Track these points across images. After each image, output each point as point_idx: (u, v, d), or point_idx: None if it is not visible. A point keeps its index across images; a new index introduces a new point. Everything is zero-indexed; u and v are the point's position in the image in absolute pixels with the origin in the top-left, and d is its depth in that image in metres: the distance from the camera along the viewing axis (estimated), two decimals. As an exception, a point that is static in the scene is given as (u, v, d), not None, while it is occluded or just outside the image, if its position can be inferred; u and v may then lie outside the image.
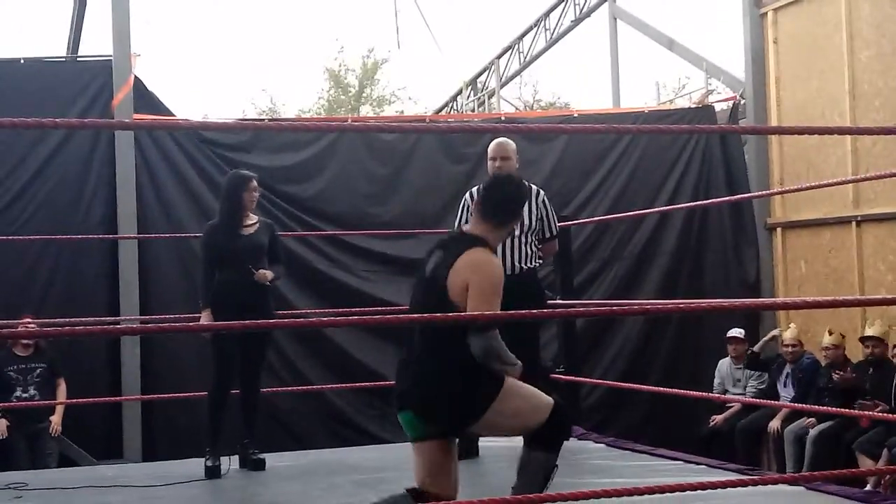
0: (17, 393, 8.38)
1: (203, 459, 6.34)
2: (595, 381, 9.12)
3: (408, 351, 4.62)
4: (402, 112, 28.83)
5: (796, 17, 10.61)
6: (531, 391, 4.52)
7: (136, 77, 9.40)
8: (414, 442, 4.49)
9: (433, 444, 4.44)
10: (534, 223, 6.52)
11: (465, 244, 4.45)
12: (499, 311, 4.37)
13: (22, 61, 9.58)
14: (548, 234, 6.63)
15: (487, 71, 16.12)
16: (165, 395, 8.56)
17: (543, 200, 6.63)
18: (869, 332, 8.57)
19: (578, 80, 38.62)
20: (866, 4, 9.66)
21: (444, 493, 4.41)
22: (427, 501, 4.35)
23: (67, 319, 8.04)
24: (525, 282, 6.42)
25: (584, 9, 13.67)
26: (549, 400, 4.53)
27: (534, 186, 6.70)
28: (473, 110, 16.17)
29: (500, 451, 6.79)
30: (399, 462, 6.58)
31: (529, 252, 6.49)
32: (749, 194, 10.50)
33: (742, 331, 9.72)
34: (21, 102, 8.66)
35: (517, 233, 6.45)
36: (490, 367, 4.34)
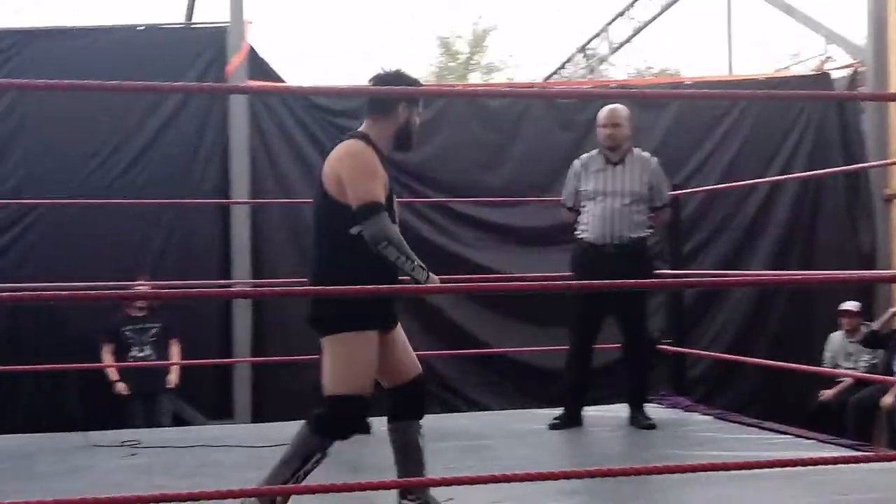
0: (134, 353, 8.61)
1: (311, 422, 6.43)
2: (701, 352, 8.99)
3: None
4: (512, 79, 28.67)
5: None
6: (368, 367, 4.21)
7: (249, 45, 9.49)
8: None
9: (322, 341, 4.30)
10: (644, 191, 6.43)
11: (342, 140, 4.38)
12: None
13: (139, 28, 9.75)
14: (658, 204, 6.54)
15: (598, 37, 15.94)
16: (275, 359, 8.69)
17: (655, 168, 6.53)
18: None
19: (691, 48, 37.90)
20: None
21: (344, 392, 4.20)
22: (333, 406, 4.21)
23: (181, 282, 8.24)
24: (632, 252, 6.34)
25: (698, -26, 13.44)
26: (364, 387, 4.20)
27: (646, 154, 6.61)
28: (584, 77, 16.02)
29: (605, 420, 6.76)
30: (501, 430, 6.62)
31: (639, 221, 6.40)
32: (866, 164, 10.21)
33: (856, 304, 9.50)
34: (138, 69, 8.77)
35: (626, 201, 6.37)
36: (386, 255, 4.12)
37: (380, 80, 4.50)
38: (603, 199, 6.39)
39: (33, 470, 5.66)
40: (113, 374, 8.49)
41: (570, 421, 6.54)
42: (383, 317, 4.31)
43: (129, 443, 6.23)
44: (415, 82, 4.55)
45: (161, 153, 9.36)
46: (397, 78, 4.45)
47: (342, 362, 4.20)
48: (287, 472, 4.20)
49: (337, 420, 4.25)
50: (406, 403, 4.46)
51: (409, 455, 4.46)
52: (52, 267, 8.49)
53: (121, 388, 8.44)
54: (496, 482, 4.13)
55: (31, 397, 8.57)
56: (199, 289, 7.73)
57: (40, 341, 8.68)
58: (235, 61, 9.29)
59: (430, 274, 4.27)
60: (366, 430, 5.27)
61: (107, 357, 8.52)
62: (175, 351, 8.71)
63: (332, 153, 4.32)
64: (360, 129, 4.45)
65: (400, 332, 4.48)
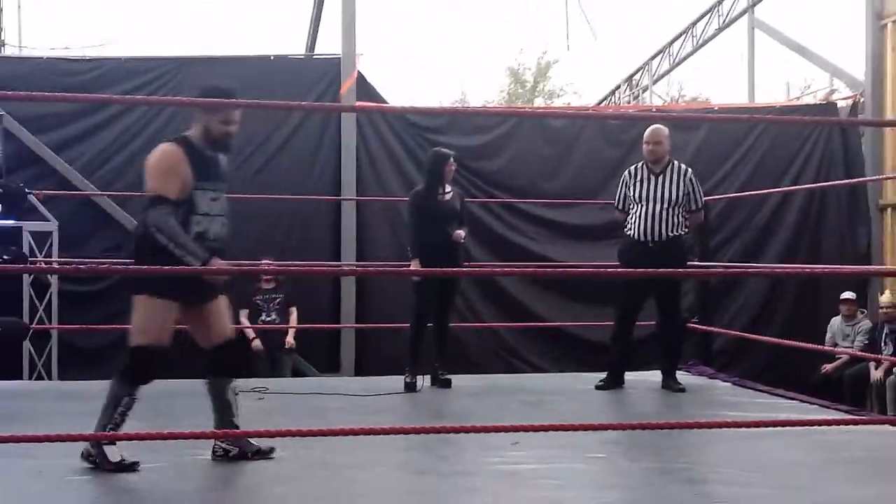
0: (263, 317, 8.72)
1: (403, 376, 6.47)
2: (723, 330, 8.86)
3: None
4: (569, 104, 28.46)
5: (915, 27, 10.03)
6: (163, 320, 4.10)
7: (359, 72, 9.53)
8: None
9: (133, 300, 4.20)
10: (680, 197, 6.34)
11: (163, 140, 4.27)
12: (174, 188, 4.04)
13: (272, 58, 9.84)
14: (693, 207, 6.45)
15: (641, 70, 15.77)
16: (374, 325, 8.76)
17: (690, 178, 6.43)
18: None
19: (719, 79, 37.31)
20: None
21: (140, 342, 4.11)
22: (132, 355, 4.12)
23: (301, 262, 8.36)
24: (669, 247, 6.28)
25: (727, 19, 13.19)
26: (157, 340, 4.10)
27: (683, 166, 6.51)
28: (629, 102, 15.87)
29: (643, 383, 6.70)
30: (556, 388, 6.62)
31: (676, 222, 6.32)
32: (864, 179, 10.00)
33: (853, 294, 9.33)
34: (269, 91, 8.88)
35: (665, 205, 6.31)
36: (160, 241, 3.98)
37: (201, 90, 4.37)
38: (646, 203, 6.33)
39: (187, 408, 5.76)
40: (250, 333, 8.63)
41: (614, 383, 6.50)
42: (185, 293, 4.16)
43: (258, 389, 6.32)
44: (225, 93, 4.25)
45: (287, 158, 9.46)
46: (213, 90, 4.26)
47: (140, 318, 4.11)
48: (105, 418, 4.06)
49: (136, 367, 4.12)
50: (215, 363, 4.37)
51: (220, 406, 4.35)
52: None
53: (257, 344, 8.57)
54: (554, 430, 4.16)
55: (182, 350, 8.69)
56: (315, 267, 7.84)
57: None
58: (347, 86, 9.34)
59: (209, 258, 4.06)
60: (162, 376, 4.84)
61: (244, 320, 8.64)
62: (294, 317, 8.82)
63: (151, 153, 4.20)
64: (187, 132, 4.27)
65: (216, 305, 4.34)
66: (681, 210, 6.38)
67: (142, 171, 9.62)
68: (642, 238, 6.28)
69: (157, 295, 4.08)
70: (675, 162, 6.50)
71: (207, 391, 4.39)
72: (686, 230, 6.50)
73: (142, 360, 4.12)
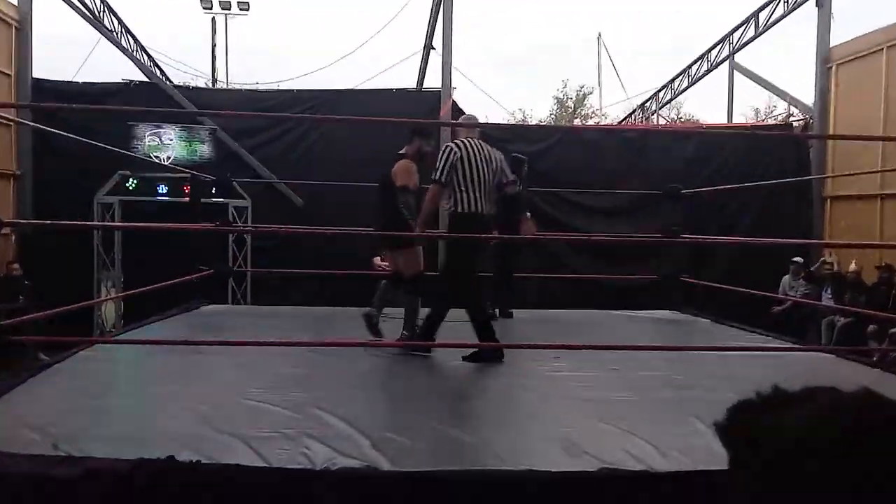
0: (377, 261, 8.75)
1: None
2: (705, 282, 8.59)
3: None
4: (599, 122, 27.80)
5: (851, 69, 9.58)
6: (420, 259, 4.87)
7: (453, 99, 9.52)
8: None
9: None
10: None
11: (396, 159, 4.83)
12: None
13: (394, 90, 9.89)
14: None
15: (651, 100, 15.32)
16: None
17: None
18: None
19: (708, 103, 36.07)
20: (901, 61, 8.60)
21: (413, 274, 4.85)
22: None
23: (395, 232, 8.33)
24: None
25: (713, 63, 12.71)
26: (419, 270, 4.86)
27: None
28: (642, 122, 15.45)
29: (652, 317, 6.55)
30: (585, 320, 6.51)
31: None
32: (811, 176, 9.61)
33: (801, 259, 9.03)
34: (394, 112, 8.88)
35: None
36: (402, 209, 4.71)
37: (413, 126, 5.06)
38: None
39: (344, 326, 5.86)
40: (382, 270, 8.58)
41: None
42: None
43: (383, 315, 6.32)
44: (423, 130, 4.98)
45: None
46: (417, 125, 5.13)
47: (413, 256, 4.89)
48: (409, 326, 4.81)
49: (419, 286, 4.90)
50: (401, 284, 4.99)
51: (404, 309, 4.97)
52: (342, 218, 8.63)
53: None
54: (583, 349, 4.13)
55: (338, 286, 8.66)
56: (424, 233, 7.80)
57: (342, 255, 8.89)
58: (444, 110, 9.34)
59: (417, 224, 4.65)
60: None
61: (375, 265, 8.66)
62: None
63: (398, 164, 4.78)
64: (404, 150, 4.85)
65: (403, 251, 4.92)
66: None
67: (302, 165, 9.75)
68: None
69: (413, 241, 4.84)
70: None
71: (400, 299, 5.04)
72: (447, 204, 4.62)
73: (420, 281, 4.95)
